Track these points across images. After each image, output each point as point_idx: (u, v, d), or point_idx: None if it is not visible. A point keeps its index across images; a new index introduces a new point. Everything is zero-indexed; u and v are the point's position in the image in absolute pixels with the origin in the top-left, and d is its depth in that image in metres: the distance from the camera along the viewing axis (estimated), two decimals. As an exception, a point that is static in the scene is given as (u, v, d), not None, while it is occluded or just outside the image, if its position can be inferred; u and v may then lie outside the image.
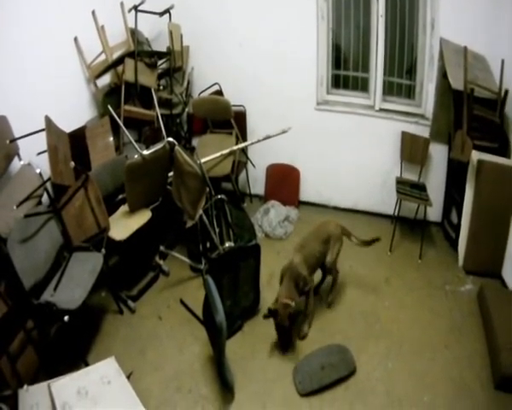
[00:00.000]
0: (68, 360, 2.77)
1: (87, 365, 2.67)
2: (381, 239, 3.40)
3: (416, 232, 4.04)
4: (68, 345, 2.82)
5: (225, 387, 2.74)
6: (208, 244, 3.55)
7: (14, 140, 2.89)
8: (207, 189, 3.47)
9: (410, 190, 3.89)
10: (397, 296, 3.44)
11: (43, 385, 2.29)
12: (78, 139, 3.33)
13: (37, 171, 2.85)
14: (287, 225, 4.23)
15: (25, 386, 2.27)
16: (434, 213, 4.14)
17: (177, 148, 3.26)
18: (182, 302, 3.16)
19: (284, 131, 3.96)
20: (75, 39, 3.52)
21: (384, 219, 4.33)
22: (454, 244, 3.85)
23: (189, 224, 3.57)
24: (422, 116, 3.94)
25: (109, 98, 3.65)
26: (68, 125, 3.33)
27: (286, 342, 3.00)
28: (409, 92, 4.04)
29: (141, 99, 3.77)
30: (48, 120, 3.01)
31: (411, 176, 4.08)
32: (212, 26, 4.23)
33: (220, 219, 3.70)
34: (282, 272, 3.09)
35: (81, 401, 2.24)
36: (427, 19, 3.61)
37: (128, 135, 3.33)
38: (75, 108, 3.59)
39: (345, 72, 4.21)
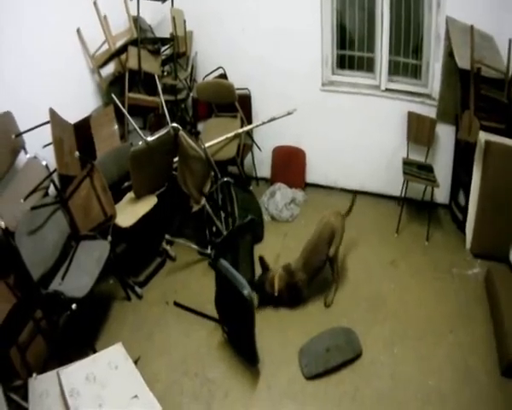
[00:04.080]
0: (77, 347, 2.82)
1: (95, 351, 2.72)
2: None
3: (423, 214, 3.97)
4: (77, 333, 2.86)
5: (252, 361, 2.79)
6: (214, 228, 3.57)
7: (19, 134, 2.90)
8: (212, 172, 3.48)
9: (417, 171, 3.82)
10: (403, 279, 3.41)
11: (52, 373, 2.35)
12: (83, 129, 3.33)
13: (44, 163, 2.87)
14: (293, 207, 4.21)
15: (34, 375, 2.33)
16: (442, 194, 4.08)
17: (181, 132, 3.26)
18: (176, 303, 3.23)
19: (289, 113, 3.91)
20: (78, 30, 3.49)
21: (391, 200, 4.27)
22: (462, 227, 3.78)
23: (195, 208, 3.57)
24: (429, 96, 3.83)
25: (114, 87, 3.64)
26: (74, 115, 3.34)
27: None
28: (415, 72, 3.93)
29: (145, 86, 3.74)
30: (52, 113, 3.02)
31: (418, 157, 3.99)
32: (214, 9, 4.14)
33: (226, 203, 3.70)
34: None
35: (89, 386, 2.30)
36: (434, -4, 3.49)
37: (132, 122, 3.33)
38: (80, 99, 3.59)
39: (350, 52, 4.10)
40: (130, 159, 3.14)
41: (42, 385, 2.29)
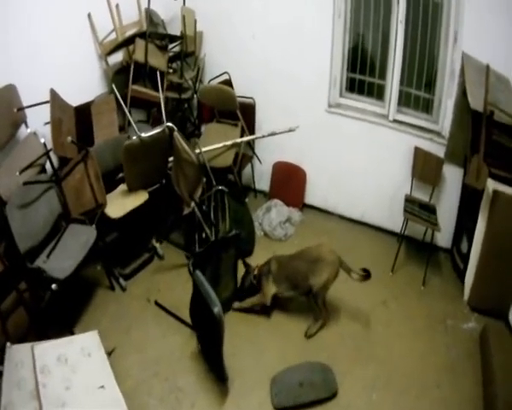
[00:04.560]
0: (58, 325, 3.13)
1: (73, 334, 3.06)
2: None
3: (422, 256, 4.09)
4: (59, 312, 3.18)
5: (221, 378, 3.03)
6: (204, 235, 3.85)
7: (20, 109, 3.28)
8: (204, 179, 3.78)
9: (419, 210, 3.99)
10: (393, 322, 3.56)
11: (28, 345, 2.64)
12: (84, 114, 3.69)
13: (42, 140, 3.24)
14: (288, 226, 4.45)
15: (8, 343, 2.61)
16: (444, 238, 4.25)
17: (176, 134, 3.57)
18: (157, 303, 3.55)
19: (291, 130, 4.21)
20: (88, 15, 3.86)
21: (390, 235, 4.47)
22: (461, 275, 3.90)
23: (186, 211, 3.87)
24: (438, 134, 4.00)
25: (119, 76, 4.00)
26: (79, 99, 3.74)
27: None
28: (426, 106, 4.10)
29: (151, 80, 4.07)
30: (53, 93, 3.41)
31: (422, 195, 4.18)
32: (226, 13, 4.49)
33: (218, 212, 3.99)
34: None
35: (60, 366, 2.61)
36: (450, 30, 3.65)
37: (128, 114, 3.68)
38: (87, 83, 3.97)
39: (361, 76, 4.32)
40: (124, 152, 3.49)
41: (18, 355, 2.58)
